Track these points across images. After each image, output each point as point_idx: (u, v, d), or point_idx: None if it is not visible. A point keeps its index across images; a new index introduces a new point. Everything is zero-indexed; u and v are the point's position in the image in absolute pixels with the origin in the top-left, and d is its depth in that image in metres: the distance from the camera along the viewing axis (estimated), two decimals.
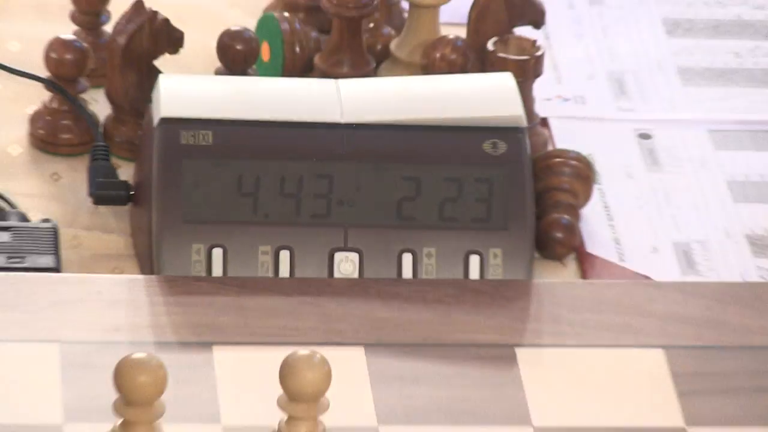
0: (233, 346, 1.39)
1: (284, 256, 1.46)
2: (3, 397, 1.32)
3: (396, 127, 1.51)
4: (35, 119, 1.64)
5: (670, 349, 1.40)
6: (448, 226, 1.49)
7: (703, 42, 1.74)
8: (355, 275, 1.49)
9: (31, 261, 1.50)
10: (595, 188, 1.63)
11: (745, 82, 1.71)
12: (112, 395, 1.16)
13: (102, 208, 1.56)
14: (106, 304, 1.42)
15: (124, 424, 1.19)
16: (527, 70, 1.59)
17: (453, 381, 1.35)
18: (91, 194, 1.56)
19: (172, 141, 1.45)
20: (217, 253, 1.47)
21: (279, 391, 1.18)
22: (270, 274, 1.48)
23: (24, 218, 1.54)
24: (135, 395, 1.16)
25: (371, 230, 1.50)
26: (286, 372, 1.09)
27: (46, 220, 1.54)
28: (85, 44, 1.61)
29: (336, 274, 1.49)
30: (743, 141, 1.71)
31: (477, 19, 1.65)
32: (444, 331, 1.42)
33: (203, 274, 1.47)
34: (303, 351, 1.11)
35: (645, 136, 1.63)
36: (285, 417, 1.16)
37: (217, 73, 1.63)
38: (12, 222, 1.53)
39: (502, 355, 1.39)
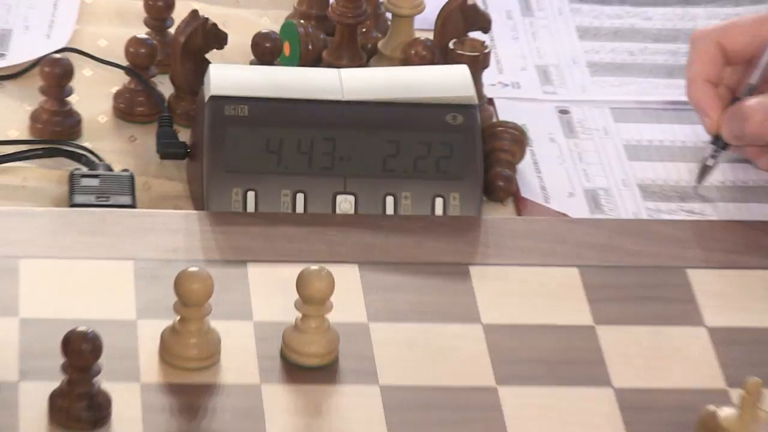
0: (262, 263, 1.40)
1: (299, 198, 1.46)
2: (91, 300, 1.33)
3: (382, 103, 1.50)
4: (117, 96, 1.60)
5: (582, 267, 1.41)
6: (419, 177, 1.48)
7: (606, 44, 1.75)
8: (352, 212, 1.48)
9: (114, 200, 1.47)
10: (527, 149, 1.59)
11: (638, 73, 1.73)
12: (173, 298, 1.21)
13: (166, 162, 1.54)
14: (168, 232, 1.43)
15: (181, 320, 1.22)
16: (478, 64, 1.58)
17: (423, 290, 1.37)
18: (159, 151, 1.55)
19: (218, 113, 1.44)
20: (251, 195, 1.46)
21: (295, 296, 1.22)
22: (289, 210, 1.47)
23: (109, 168, 1.50)
24: (189, 298, 1.20)
25: (363, 179, 1.49)
26: (300, 282, 1.14)
27: (125, 170, 1.51)
28: (154, 42, 1.60)
29: (338, 211, 1.49)
30: (636, 115, 1.68)
31: (441, 26, 1.64)
32: (417, 253, 1.43)
33: (240, 210, 1.47)
34: (313, 267, 1.15)
35: (564, 112, 1.66)
36: (300, 315, 1.21)
37: (251, 63, 1.61)
38: (100, 171, 1.49)
39: (459, 271, 1.40)
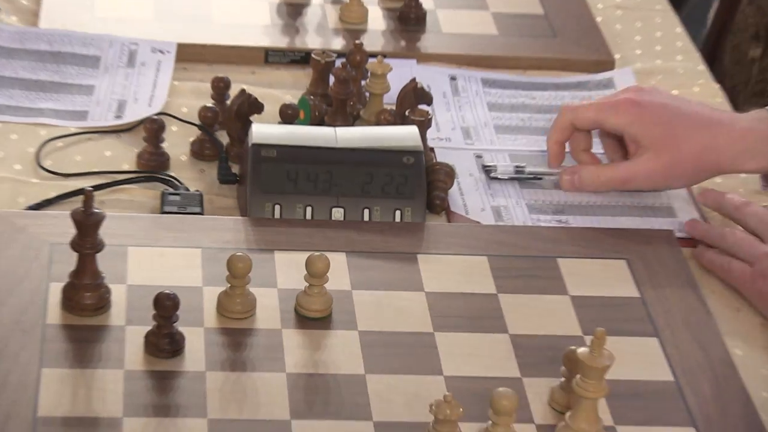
0: (284, 251, 1.38)
1: (308, 209, 1.43)
2: (173, 273, 1.34)
3: (362, 149, 1.47)
4: (193, 143, 1.52)
5: (490, 256, 1.40)
6: (386, 197, 1.45)
7: (506, 114, 1.71)
8: (342, 219, 1.45)
9: (189, 209, 1.45)
10: (455, 180, 1.56)
11: (527, 133, 1.69)
12: (225, 273, 1.23)
13: (223, 186, 1.50)
14: (224, 230, 1.42)
15: (231, 287, 1.23)
16: (424, 126, 1.52)
17: (387, 269, 1.38)
18: (219, 179, 1.52)
19: (257, 154, 1.43)
20: (277, 208, 1.43)
21: (304, 272, 1.24)
22: (302, 218, 1.45)
23: (187, 190, 1.47)
24: (236, 273, 1.22)
25: (350, 198, 1.46)
26: (308, 263, 1.15)
27: (197, 191, 1.48)
28: (217, 109, 1.53)
29: (333, 218, 1.46)
30: (525, 158, 1.63)
31: (400, 101, 1.58)
32: (383, 246, 1.42)
33: (270, 217, 1.44)
34: (316, 253, 1.17)
35: (479, 156, 1.63)
36: (307, 284, 1.21)
37: (278, 123, 1.56)
38: (181, 191, 1.47)
39: (411, 258, 1.39)
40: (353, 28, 1.83)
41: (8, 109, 1.53)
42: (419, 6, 1.88)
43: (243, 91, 1.50)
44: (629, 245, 1.42)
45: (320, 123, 1.57)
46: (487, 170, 1.58)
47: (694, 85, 1.88)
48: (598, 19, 1.96)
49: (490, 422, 1.10)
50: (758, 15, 2.62)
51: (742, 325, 1.34)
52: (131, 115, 1.57)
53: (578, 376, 1.09)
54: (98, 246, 1.21)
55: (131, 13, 1.79)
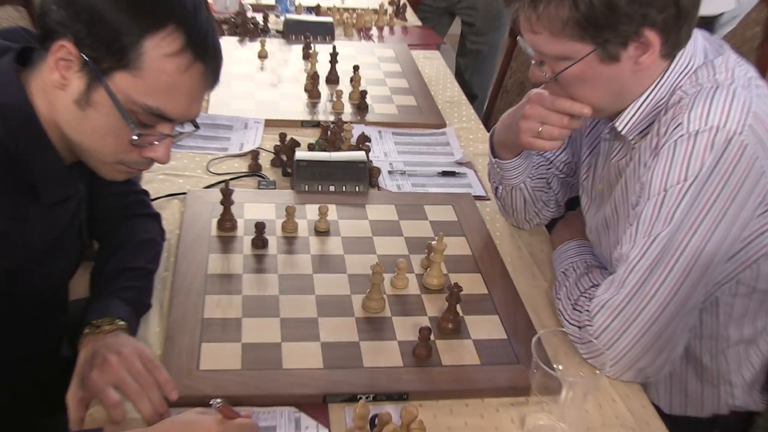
0: (309, 204, 1.55)
1: (319, 186, 1.57)
2: (261, 215, 1.47)
3: (342, 161, 1.60)
4: (272, 160, 1.65)
5: (396, 205, 1.54)
6: (352, 180, 1.59)
7: (401, 147, 1.83)
8: (333, 191, 1.60)
9: (270, 187, 1.62)
10: (380, 174, 1.67)
11: (410, 155, 1.80)
12: (284, 213, 1.40)
13: (285, 177, 1.63)
14: (284, 195, 1.56)
15: (287, 217, 1.39)
16: (367, 150, 1.67)
17: (352, 210, 1.52)
18: (283, 174, 1.64)
19: (298, 163, 1.56)
20: (306, 186, 1.58)
21: (317, 212, 1.42)
22: (317, 190, 1.58)
23: (269, 179, 1.62)
24: (290, 211, 1.40)
25: (337, 181, 1.60)
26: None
27: (273, 181, 1.61)
28: (280, 145, 1.65)
29: (330, 190, 1.60)
30: (410, 167, 1.74)
31: (358, 141, 1.73)
32: (351, 201, 1.55)
33: (303, 191, 1.57)
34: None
35: (390, 164, 1.73)
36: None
37: (307, 151, 1.65)
38: (266, 180, 1.61)
39: (362, 205, 1.54)
40: (338, 112, 1.94)
41: (192, 147, 1.67)
42: (364, 97, 1.95)
43: (291, 138, 1.67)
44: (453, 199, 1.58)
45: (323, 150, 1.67)
46: (392, 171, 1.69)
47: None
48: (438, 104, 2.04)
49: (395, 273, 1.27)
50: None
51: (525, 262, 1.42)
52: (246, 148, 1.71)
53: (431, 253, 1.30)
54: (230, 203, 1.39)
55: (246, 106, 1.92)
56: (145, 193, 1.31)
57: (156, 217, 1.29)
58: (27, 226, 0.96)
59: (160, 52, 0.89)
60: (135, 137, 0.92)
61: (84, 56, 0.88)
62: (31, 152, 0.93)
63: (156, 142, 0.95)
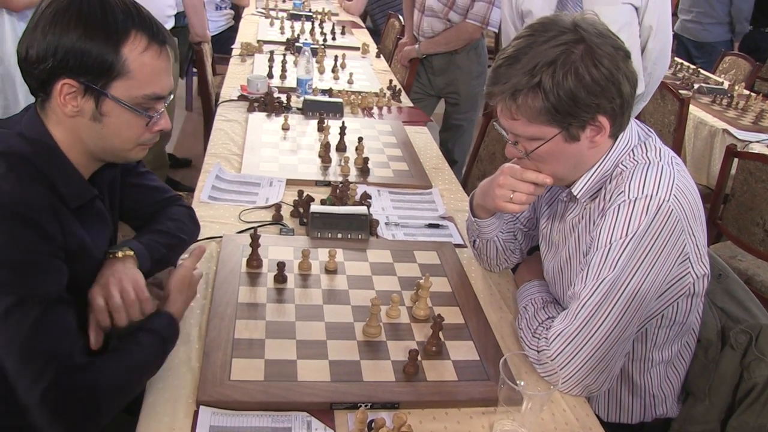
0: (320, 248, 1.49)
1: (329, 234, 1.55)
2: (282, 255, 1.44)
3: (347, 213, 1.59)
4: (291, 212, 1.60)
5: (391, 249, 1.51)
6: (355, 229, 1.57)
7: (396, 203, 1.78)
8: (340, 237, 1.57)
9: (289, 233, 1.57)
10: (379, 224, 1.63)
11: (403, 209, 1.76)
12: (301, 255, 1.36)
13: (301, 226, 1.61)
14: (300, 240, 1.53)
15: (303, 257, 1.35)
16: (368, 206, 1.65)
17: (355, 254, 1.49)
18: (300, 223, 1.61)
19: (314, 215, 1.55)
20: (318, 233, 1.55)
21: (328, 255, 1.38)
22: (327, 237, 1.55)
23: (288, 227, 1.58)
24: (305, 254, 1.36)
25: (344, 230, 1.58)
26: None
27: (291, 228, 1.58)
28: (299, 200, 1.63)
29: (338, 237, 1.57)
30: (402, 220, 1.69)
31: (361, 198, 1.72)
32: (354, 246, 1.52)
33: (316, 237, 1.55)
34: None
35: (386, 217, 1.68)
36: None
37: (320, 205, 1.62)
38: (286, 228, 1.58)
39: (363, 249, 1.51)
40: (345, 174, 1.88)
41: (227, 200, 1.67)
42: (366, 163, 1.91)
43: (307, 194, 1.66)
44: (437, 246, 1.56)
45: (333, 204, 1.66)
46: (388, 222, 1.67)
47: None
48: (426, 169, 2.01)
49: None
50: None
51: (494, 296, 1.41)
52: (271, 202, 1.68)
53: (419, 289, 1.30)
54: (257, 246, 1.37)
55: (271, 168, 1.89)
56: (166, 186, 1.32)
57: (180, 199, 1.31)
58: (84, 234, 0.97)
59: (136, 53, 0.93)
60: (147, 122, 0.97)
61: (85, 84, 0.92)
62: (53, 167, 0.95)
63: (157, 117, 0.99)
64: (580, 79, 1.00)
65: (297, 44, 3.12)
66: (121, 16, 0.92)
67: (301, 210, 1.63)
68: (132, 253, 1.05)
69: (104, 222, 1.05)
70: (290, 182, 1.81)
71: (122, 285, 0.98)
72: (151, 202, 1.23)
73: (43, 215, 0.87)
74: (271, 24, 3.79)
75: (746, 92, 3.78)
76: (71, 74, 0.90)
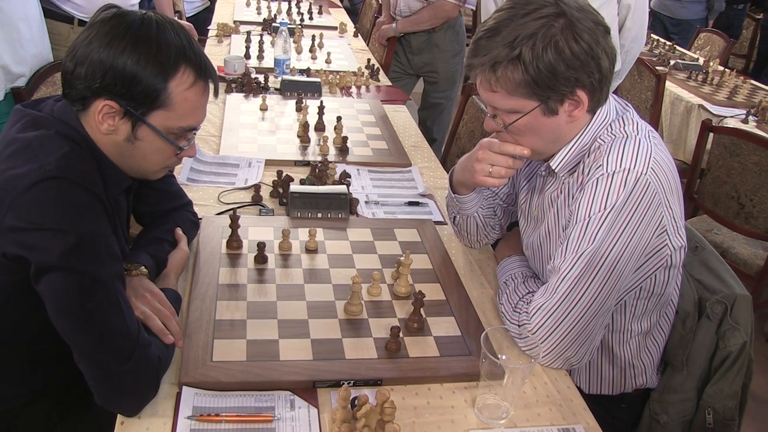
0: (300, 228, 1.48)
1: (309, 213, 1.55)
2: (262, 235, 1.42)
3: (327, 192, 1.57)
4: (271, 192, 1.59)
5: (371, 228, 1.50)
6: (336, 208, 1.56)
7: (376, 182, 1.76)
8: (320, 217, 1.56)
9: (269, 214, 1.56)
10: (359, 203, 1.64)
11: (383, 187, 1.76)
12: (280, 235, 1.35)
13: (281, 206, 1.60)
14: (280, 220, 1.52)
15: (283, 238, 1.33)
16: (348, 185, 1.64)
17: (335, 232, 1.48)
18: (280, 204, 1.60)
19: (292, 195, 1.54)
20: (298, 213, 1.54)
21: (308, 234, 1.38)
22: (306, 217, 1.54)
23: (267, 207, 1.58)
24: (285, 233, 1.33)
25: (324, 209, 1.57)
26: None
27: (271, 208, 1.57)
28: (278, 180, 1.61)
29: (318, 217, 1.56)
30: (383, 198, 1.68)
31: (341, 178, 1.69)
32: (335, 225, 1.51)
33: (296, 217, 1.54)
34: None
35: (366, 195, 1.65)
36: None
37: (299, 184, 1.60)
38: (266, 208, 1.58)
39: (343, 228, 1.51)
40: (324, 154, 1.88)
41: (206, 181, 1.66)
42: (345, 142, 1.92)
43: (286, 174, 1.64)
44: (417, 224, 1.56)
45: (312, 184, 1.65)
46: (368, 201, 1.66)
47: None
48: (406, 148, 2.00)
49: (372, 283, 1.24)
50: None
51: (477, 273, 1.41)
52: (250, 183, 1.67)
53: (400, 267, 1.30)
54: (237, 227, 1.36)
55: (250, 149, 1.88)
56: (182, 192, 1.37)
57: (190, 205, 1.36)
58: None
59: (182, 88, 0.95)
60: (177, 151, 1.01)
61: (125, 108, 0.94)
62: (97, 154, 0.98)
63: (187, 147, 1.03)
64: (559, 53, 1.00)
65: (274, 24, 3.13)
66: (174, 50, 0.93)
67: (281, 190, 1.62)
68: (146, 272, 1.11)
69: (123, 217, 1.10)
70: (269, 163, 1.80)
71: (148, 301, 1.03)
72: (169, 208, 1.30)
73: (104, 195, 0.90)
74: (248, 4, 3.80)
75: (721, 68, 3.87)
76: (114, 97, 0.92)
